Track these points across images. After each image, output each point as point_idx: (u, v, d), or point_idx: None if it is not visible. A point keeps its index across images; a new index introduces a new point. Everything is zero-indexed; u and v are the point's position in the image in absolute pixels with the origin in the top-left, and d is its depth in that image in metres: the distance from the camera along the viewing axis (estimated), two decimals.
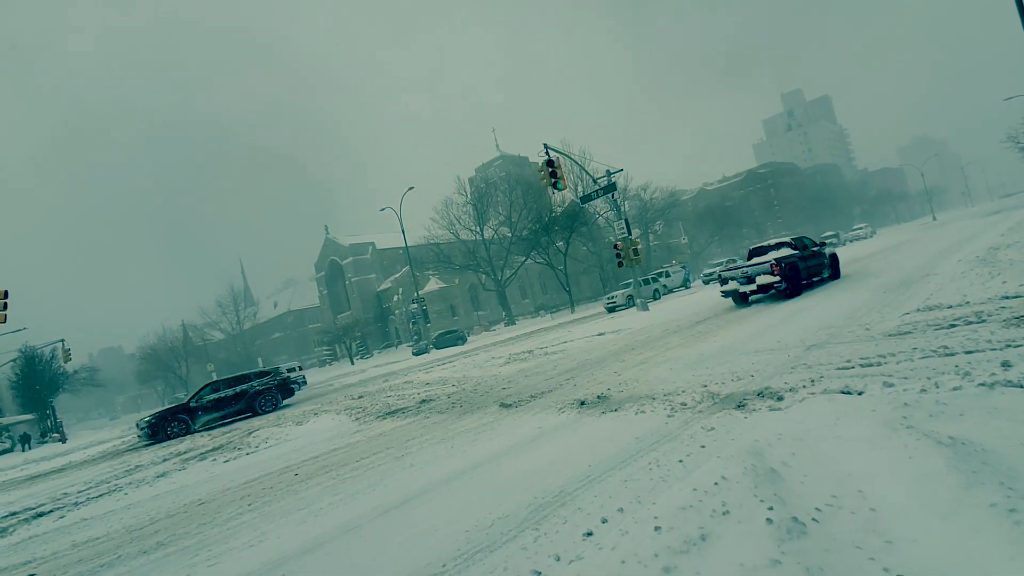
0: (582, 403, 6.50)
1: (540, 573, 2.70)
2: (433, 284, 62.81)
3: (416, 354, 37.73)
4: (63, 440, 34.13)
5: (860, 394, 4.33)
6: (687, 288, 33.69)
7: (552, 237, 49.36)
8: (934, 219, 61.87)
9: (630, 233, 21.79)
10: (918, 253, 17.12)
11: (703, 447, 4.00)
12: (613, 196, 22.86)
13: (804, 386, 4.96)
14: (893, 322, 7.05)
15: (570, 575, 2.60)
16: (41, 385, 43.09)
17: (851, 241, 46.65)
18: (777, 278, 12.66)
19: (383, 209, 41.29)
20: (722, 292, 14.23)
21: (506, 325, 52.75)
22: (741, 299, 13.92)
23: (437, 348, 38.97)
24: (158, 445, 14.21)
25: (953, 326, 6.03)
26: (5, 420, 39.37)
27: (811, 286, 14.09)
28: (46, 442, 36.16)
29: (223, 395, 15.90)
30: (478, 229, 51.81)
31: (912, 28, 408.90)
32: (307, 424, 10.77)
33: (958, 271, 10.29)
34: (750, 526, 2.58)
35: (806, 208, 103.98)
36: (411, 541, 3.49)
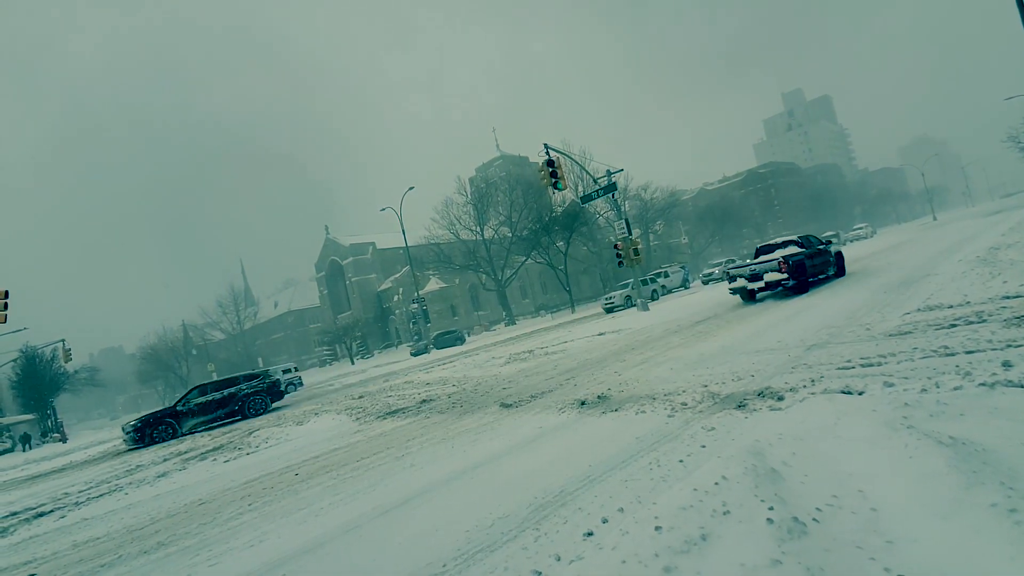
0: (583, 403, 6.50)
1: (541, 573, 2.70)
2: (433, 284, 62.83)
3: (414, 354, 37.69)
4: (64, 440, 34.16)
5: (861, 394, 4.33)
6: (686, 288, 33.69)
7: (552, 237, 49.37)
8: (935, 219, 61.81)
9: (630, 233, 21.79)
10: (918, 253, 17.11)
11: (704, 447, 4.00)
12: (613, 196, 22.88)
13: (805, 386, 4.96)
14: (894, 322, 7.05)
15: (571, 575, 2.60)
16: (42, 385, 43.14)
17: (851, 241, 46.50)
18: (785, 275, 12.99)
19: (383, 209, 41.34)
20: (730, 289, 14.64)
21: (506, 325, 52.77)
22: (749, 296, 14.33)
23: (437, 348, 38.99)
24: (158, 445, 14.20)
25: (954, 326, 6.02)
26: (6, 420, 39.39)
27: (817, 283, 14.40)
28: (47, 442, 36.20)
29: (211, 398, 15.68)
30: (478, 229, 51.81)
31: (912, 28, 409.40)
32: (307, 424, 10.77)
33: (959, 271, 10.28)
34: (751, 526, 2.57)
35: (806, 208, 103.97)
36: (411, 541, 3.49)
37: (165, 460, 10.69)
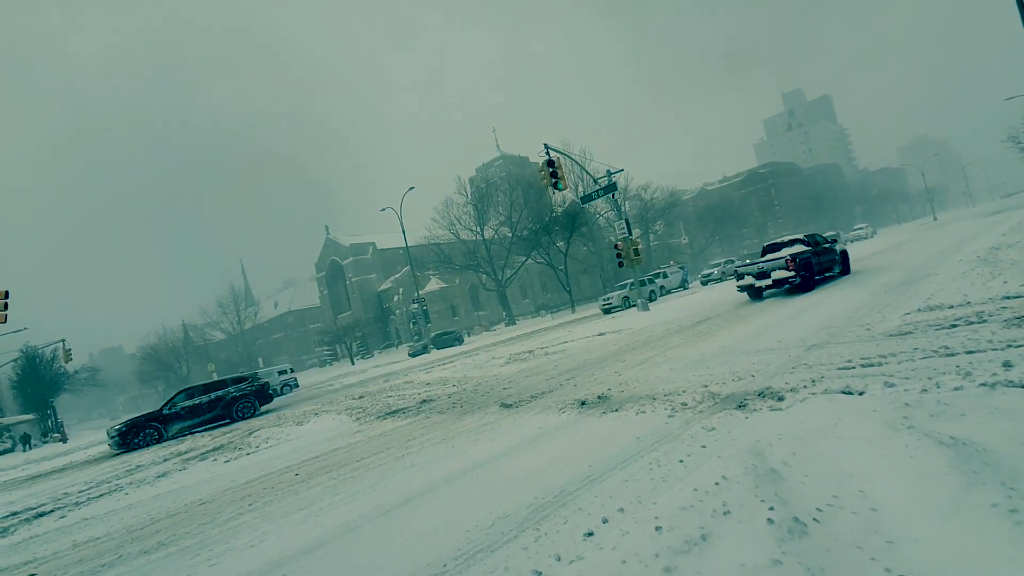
0: (583, 403, 6.50)
1: (541, 573, 2.70)
2: (434, 284, 62.82)
3: (412, 355, 37.64)
4: (64, 440, 34.18)
5: (861, 394, 4.33)
6: (685, 288, 33.66)
7: (552, 237, 49.34)
8: (935, 219, 61.80)
9: (631, 233, 21.78)
10: (919, 253, 17.10)
11: (704, 447, 4.00)
12: (613, 196, 22.86)
13: (805, 386, 4.96)
14: (894, 322, 7.05)
15: (571, 575, 2.60)
16: (42, 385, 43.14)
17: (852, 241, 46.40)
18: (792, 273, 13.18)
19: (383, 209, 41.38)
20: (738, 287, 14.83)
21: (506, 325, 52.76)
22: (755, 294, 14.51)
23: (436, 348, 38.99)
24: (158, 445, 14.21)
25: (954, 326, 6.02)
26: (6, 420, 39.38)
27: (823, 281, 14.59)
28: (47, 442, 36.21)
29: (198, 402, 15.55)
30: (478, 229, 51.79)
31: (912, 28, 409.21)
32: (308, 424, 10.78)
33: (959, 271, 10.27)
34: (751, 526, 2.57)
35: (807, 208, 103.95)
36: (411, 541, 3.49)
37: (165, 460, 10.69)
